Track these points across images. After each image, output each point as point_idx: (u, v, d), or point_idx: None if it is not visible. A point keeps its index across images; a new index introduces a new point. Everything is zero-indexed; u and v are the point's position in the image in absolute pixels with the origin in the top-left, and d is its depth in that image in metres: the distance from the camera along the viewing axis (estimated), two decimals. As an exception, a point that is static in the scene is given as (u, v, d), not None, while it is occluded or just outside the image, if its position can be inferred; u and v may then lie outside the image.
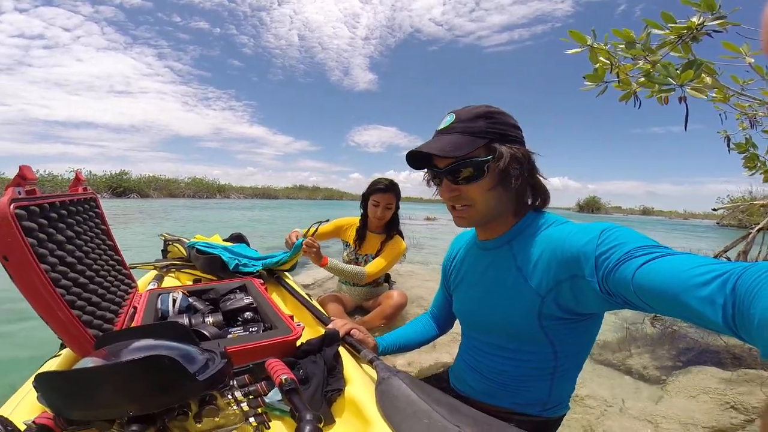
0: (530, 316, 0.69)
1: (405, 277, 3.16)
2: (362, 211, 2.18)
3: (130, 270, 1.21)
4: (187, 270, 1.61)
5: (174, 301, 1.08)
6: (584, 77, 1.29)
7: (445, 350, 1.81)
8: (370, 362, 0.81)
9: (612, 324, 2.41)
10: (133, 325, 0.99)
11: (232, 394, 0.58)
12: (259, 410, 0.59)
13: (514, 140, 0.73)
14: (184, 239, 1.83)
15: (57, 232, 0.80)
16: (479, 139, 0.71)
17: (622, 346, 2.06)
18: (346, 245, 2.26)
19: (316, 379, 0.71)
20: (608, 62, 1.27)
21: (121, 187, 25.35)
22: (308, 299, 1.30)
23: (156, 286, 1.33)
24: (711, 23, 1.10)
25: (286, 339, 0.84)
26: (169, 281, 1.49)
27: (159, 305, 1.06)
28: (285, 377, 0.61)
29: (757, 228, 2.84)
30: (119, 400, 0.48)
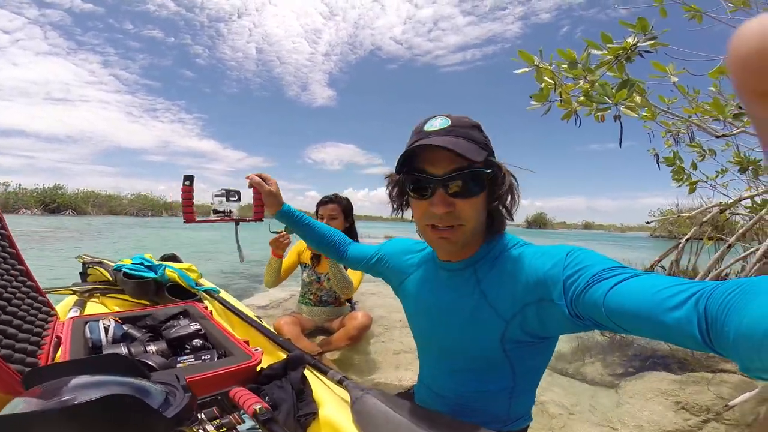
0: (493, 341, 0.69)
1: (366, 296, 3.17)
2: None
3: (47, 296, 1.08)
4: (112, 295, 1.48)
5: (106, 329, 0.99)
6: (531, 96, 1.44)
7: (409, 368, 1.85)
8: (339, 382, 0.82)
9: (565, 335, 2.63)
10: (59, 357, 0.89)
11: (203, 429, 0.55)
12: None
13: (493, 155, 0.72)
14: (107, 261, 1.68)
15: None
16: (482, 149, 0.67)
17: (576, 356, 2.24)
18: (305, 267, 2.25)
19: (285, 404, 0.70)
20: (552, 82, 1.42)
21: (54, 203, 23.52)
22: (260, 322, 1.26)
23: (79, 314, 1.20)
24: (644, 44, 1.28)
25: (246, 365, 0.82)
26: (92, 307, 1.36)
27: (88, 334, 0.96)
28: (259, 407, 0.60)
29: (685, 238, 3.24)
30: None
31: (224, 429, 0.60)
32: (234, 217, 1.10)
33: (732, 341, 0.35)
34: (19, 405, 0.49)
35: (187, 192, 1.05)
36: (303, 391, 0.77)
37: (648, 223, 4.09)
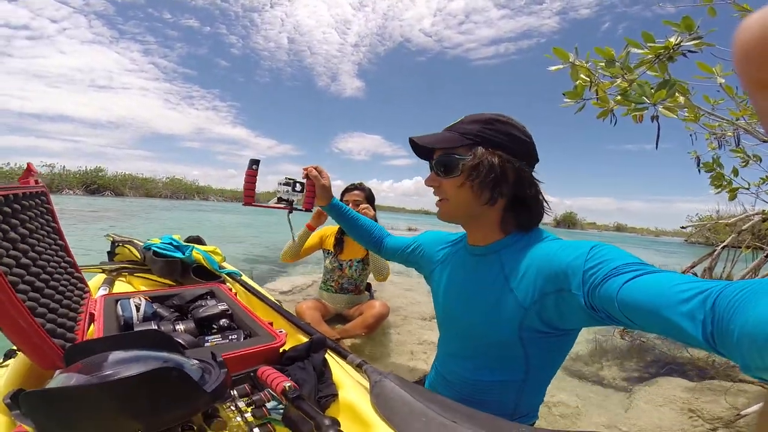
0: (511, 326, 0.73)
1: (386, 286, 3.24)
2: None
3: (82, 273, 1.16)
4: (140, 274, 1.56)
5: (137, 307, 1.06)
6: (564, 94, 1.42)
7: (422, 359, 1.89)
8: (359, 366, 0.85)
9: (584, 336, 2.62)
10: (92, 333, 0.95)
11: (235, 405, 0.59)
12: (264, 420, 0.61)
13: (504, 148, 0.78)
14: (137, 240, 1.76)
15: (10, 228, 0.76)
16: (466, 139, 0.79)
17: (594, 359, 2.26)
18: (328, 253, 2.36)
19: (307, 385, 0.74)
20: (588, 80, 1.40)
21: (95, 184, 25.54)
22: (280, 306, 1.31)
23: (108, 292, 1.28)
24: (688, 43, 1.25)
25: (271, 346, 0.86)
26: (120, 286, 1.44)
27: (120, 312, 1.03)
28: (288, 385, 0.64)
29: (722, 245, 3.15)
30: (125, 419, 0.47)
31: (254, 406, 0.64)
32: (288, 206, 1.16)
33: (736, 340, 0.36)
34: (65, 379, 0.53)
35: (252, 176, 1.12)
36: (324, 373, 0.81)
37: (683, 227, 3.97)
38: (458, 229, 0.96)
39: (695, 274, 3.47)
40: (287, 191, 1.15)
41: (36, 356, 0.70)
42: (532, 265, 0.73)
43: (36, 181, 1.00)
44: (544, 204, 0.83)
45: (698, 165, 2.38)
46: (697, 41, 1.24)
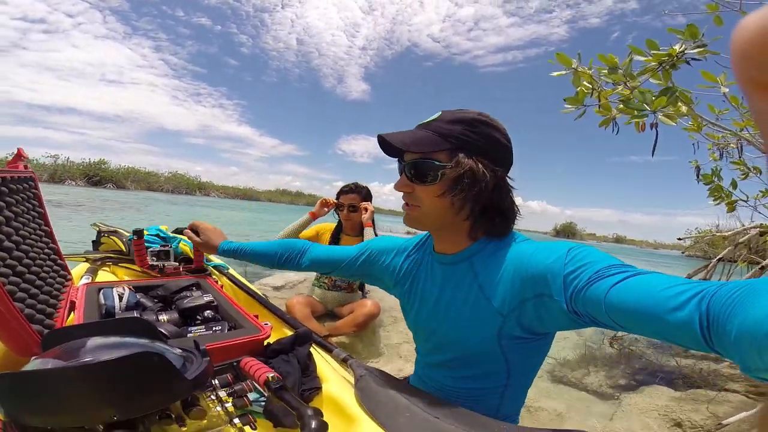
0: (490, 335, 0.72)
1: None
2: (337, 216, 2.40)
3: (65, 260, 1.16)
4: (124, 264, 1.55)
5: (120, 296, 1.06)
6: (564, 99, 1.44)
7: (410, 359, 1.91)
8: (344, 361, 0.87)
9: (573, 342, 2.65)
10: (71, 321, 0.96)
11: (216, 395, 0.59)
12: (244, 411, 0.61)
13: (487, 155, 0.74)
14: (122, 231, 1.76)
15: (-4, 214, 0.77)
16: (446, 142, 0.73)
17: (581, 364, 2.29)
18: None
19: (291, 378, 0.75)
20: (590, 86, 1.42)
21: (97, 176, 26.21)
22: (266, 299, 1.32)
23: (90, 281, 1.28)
24: (691, 51, 1.27)
25: (255, 338, 0.87)
26: (104, 276, 1.43)
27: (102, 300, 1.03)
28: (271, 375, 0.65)
29: (717, 258, 3.17)
30: (100, 404, 0.46)
31: (235, 396, 0.65)
32: (172, 271, 1.41)
33: (733, 341, 0.36)
34: (38, 365, 0.52)
35: (139, 244, 1.40)
36: (308, 366, 0.82)
37: (680, 239, 4.00)
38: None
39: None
40: (156, 259, 1.42)
41: (12, 342, 0.69)
42: (507, 270, 0.70)
43: (25, 166, 1.01)
44: (517, 210, 0.80)
45: (697, 175, 2.41)
46: (701, 49, 1.25)
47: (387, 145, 0.77)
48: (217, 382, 0.70)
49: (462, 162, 0.72)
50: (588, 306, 0.55)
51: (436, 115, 0.77)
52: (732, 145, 2.22)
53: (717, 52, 1.28)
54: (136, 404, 0.48)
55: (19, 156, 0.99)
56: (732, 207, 2.40)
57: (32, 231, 0.96)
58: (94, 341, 0.60)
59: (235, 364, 0.75)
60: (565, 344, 2.56)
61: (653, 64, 1.33)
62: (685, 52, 1.26)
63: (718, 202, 2.42)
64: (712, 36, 1.26)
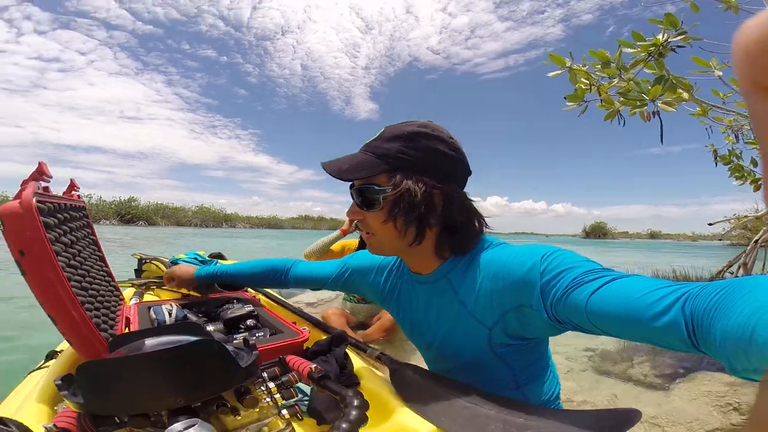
0: (482, 346, 0.71)
1: None
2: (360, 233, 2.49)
3: (117, 283, 1.24)
4: (167, 287, 1.63)
5: (169, 312, 1.13)
6: (565, 97, 1.48)
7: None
8: (378, 359, 0.90)
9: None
10: (130, 334, 1.02)
11: (265, 386, 0.62)
12: (292, 401, 0.65)
13: (427, 171, 0.70)
14: (162, 258, 1.85)
15: (63, 233, 0.85)
16: (383, 163, 0.69)
17: (624, 357, 2.23)
18: None
19: (331, 375, 0.79)
20: (588, 83, 1.46)
21: (129, 214, 27.45)
22: (301, 310, 1.37)
23: (139, 302, 1.35)
24: (675, 39, 1.30)
25: (295, 341, 0.91)
26: (149, 298, 1.51)
27: (153, 315, 1.10)
28: (313, 366, 0.69)
29: (753, 240, 3.01)
30: (166, 390, 0.49)
31: (283, 387, 0.68)
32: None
33: (719, 342, 0.36)
34: None
35: None
36: (345, 365, 0.85)
37: (711, 224, 3.74)
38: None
39: (731, 274, 3.21)
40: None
41: (84, 347, 0.76)
42: (484, 283, 0.68)
43: (78, 196, 1.10)
44: (481, 222, 0.76)
45: (714, 158, 2.37)
46: (683, 36, 1.28)
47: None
48: (265, 375, 0.74)
49: (399, 183, 0.68)
50: (569, 314, 0.54)
51: (378, 133, 0.73)
52: (746, 126, 2.18)
53: (699, 38, 1.30)
54: (199, 390, 0.51)
55: (72, 186, 1.08)
56: (757, 185, 2.31)
57: (90, 254, 1.04)
58: (156, 339, 0.66)
59: (280, 358, 0.79)
60: (604, 338, 2.48)
61: (642, 54, 1.36)
62: (669, 40, 1.29)
63: (741, 182, 2.36)
64: (691, 23, 1.29)
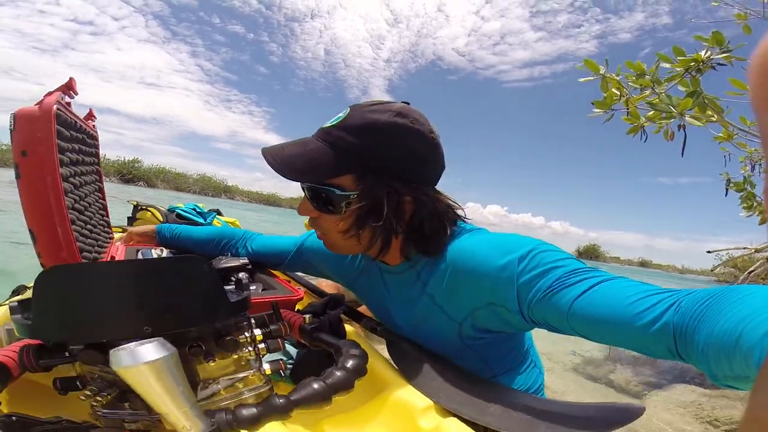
0: (451, 338, 0.67)
1: None
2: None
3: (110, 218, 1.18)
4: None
5: (159, 256, 1.07)
6: (593, 103, 1.45)
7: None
8: (373, 329, 0.84)
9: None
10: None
11: (251, 332, 0.53)
12: (277, 355, 0.59)
13: (403, 174, 0.60)
14: (159, 206, 1.79)
15: (71, 150, 0.79)
16: (350, 163, 0.58)
17: (606, 362, 2.24)
18: None
19: (325, 329, 0.73)
20: (618, 93, 1.43)
21: (130, 174, 26.82)
22: (297, 274, 1.31)
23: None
24: (717, 56, 1.26)
25: (289, 298, 0.86)
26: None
27: (141, 257, 1.04)
28: (307, 316, 0.63)
29: (748, 271, 2.93)
30: (135, 312, 0.40)
31: (271, 336, 0.63)
32: None
33: (701, 350, 0.35)
34: None
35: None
36: (339, 329, 0.80)
37: (709, 252, 3.72)
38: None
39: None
40: None
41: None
42: (453, 277, 0.62)
43: (93, 126, 1.05)
44: (454, 220, 0.67)
45: (727, 187, 2.32)
46: (727, 54, 1.25)
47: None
48: (253, 321, 0.68)
49: (369, 191, 0.58)
50: (547, 316, 0.51)
51: (341, 116, 0.60)
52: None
53: (743, 57, 1.28)
54: (172, 317, 0.42)
55: (91, 115, 1.03)
56: (765, 218, 2.27)
57: (91, 181, 0.99)
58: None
59: (273, 306, 0.73)
60: (590, 343, 2.45)
61: (680, 69, 1.32)
62: (711, 57, 1.26)
63: (750, 213, 2.31)
64: (736, 44, 1.26)
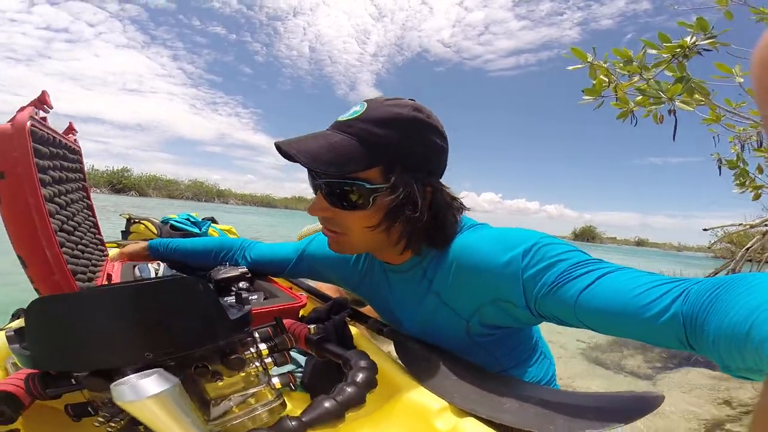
0: (459, 336, 0.66)
1: None
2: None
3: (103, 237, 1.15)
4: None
5: (156, 271, 1.04)
6: (583, 90, 1.44)
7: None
8: (379, 331, 0.83)
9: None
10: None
11: (255, 347, 0.51)
12: (285, 368, 0.57)
13: (426, 167, 0.61)
14: (153, 218, 1.75)
15: (53, 168, 0.76)
16: (379, 155, 0.57)
17: (614, 348, 2.23)
18: None
19: (332, 339, 0.72)
20: (607, 80, 1.43)
21: (120, 184, 26.65)
22: (298, 279, 1.29)
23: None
24: (702, 42, 1.27)
25: (292, 306, 0.84)
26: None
27: (138, 273, 1.01)
28: (312, 327, 0.62)
29: (745, 248, 2.99)
30: (133, 339, 0.38)
31: (277, 350, 0.61)
32: None
33: (712, 340, 0.34)
34: None
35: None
36: (344, 333, 0.78)
37: (705, 230, 3.76)
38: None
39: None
40: None
41: (54, 292, 0.67)
42: (458, 273, 0.61)
43: (74, 140, 1.01)
44: (460, 210, 0.67)
45: (719, 166, 2.34)
46: (712, 40, 1.26)
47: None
48: (257, 335, 0.66)
49: (400, 183, 0.57)
50: (555, 310, 0.50)
51: (359, 110, 0.58)
52: (753, 137, 2.16)
53: (727, 43, 1.29)
54: (173, 342, 0.39)
55: (71, 129, 0.99)
56: (758, 194, 2.31)
57: (78, 199, 0.95)
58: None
59: (276, 319, 0.71)
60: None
61: (666, 56, 1.33)
62: (697, 43, 1.26)
63: (743, 189, 2.33)
64: (720, 29, 1.27)
